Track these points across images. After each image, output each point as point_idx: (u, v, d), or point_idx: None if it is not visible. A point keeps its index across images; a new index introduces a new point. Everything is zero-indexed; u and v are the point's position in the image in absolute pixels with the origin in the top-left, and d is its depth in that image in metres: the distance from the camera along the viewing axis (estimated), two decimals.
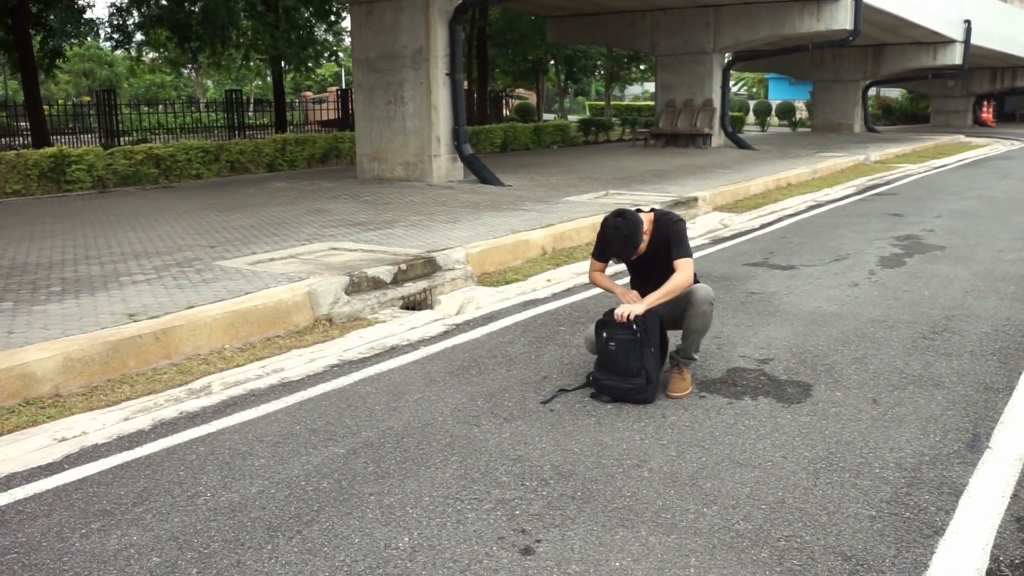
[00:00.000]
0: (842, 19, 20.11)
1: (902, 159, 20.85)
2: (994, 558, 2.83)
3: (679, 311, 4.43)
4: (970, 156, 22.84)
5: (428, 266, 6.94)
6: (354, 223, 9.23)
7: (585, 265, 7.83)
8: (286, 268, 6.71)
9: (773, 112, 46.09)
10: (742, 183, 13.47)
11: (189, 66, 36.67)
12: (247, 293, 5.79)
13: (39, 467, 3.61)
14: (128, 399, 4.43)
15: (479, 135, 20.52)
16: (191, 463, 3.62)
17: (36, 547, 2.95)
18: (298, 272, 6.48)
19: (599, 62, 42.92)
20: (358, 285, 6.23)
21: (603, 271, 4.69)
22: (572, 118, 39.56)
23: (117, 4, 21.36)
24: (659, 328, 4.42)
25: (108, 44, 24.67)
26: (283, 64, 24.96)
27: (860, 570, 2.75)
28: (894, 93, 51.35)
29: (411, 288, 6.60)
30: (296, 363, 5.01)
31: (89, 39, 23.12)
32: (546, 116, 43.23)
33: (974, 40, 29.68)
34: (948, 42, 29.36)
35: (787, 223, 10.62)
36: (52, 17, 18.18)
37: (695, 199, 11.41)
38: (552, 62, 40.59)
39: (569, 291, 6.84)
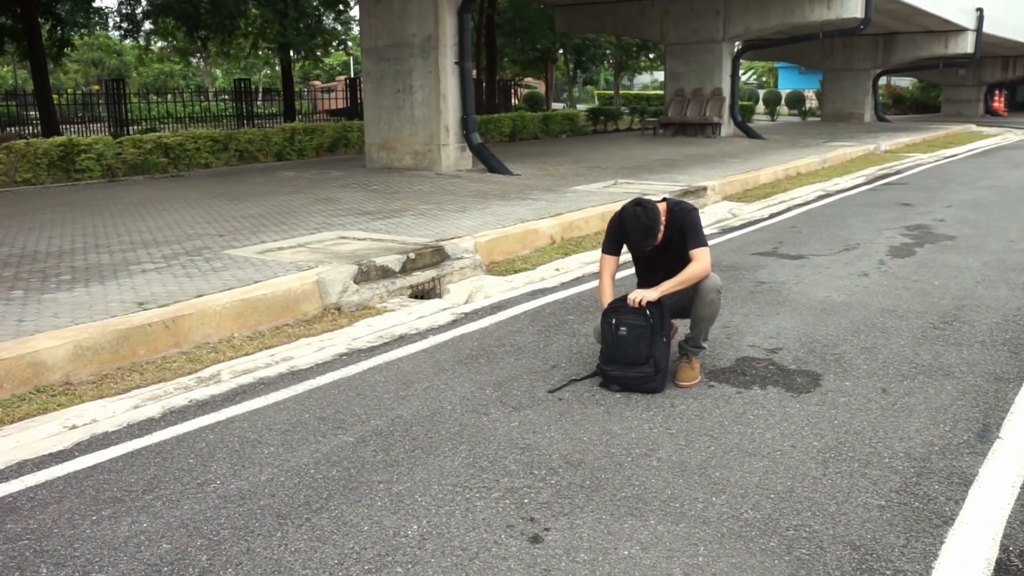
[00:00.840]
0: (853, 7, 19.98)
1: (912, 148, 20.73)
2: (1004, 548, 2.82)
3: (686, 300, 4.41)
4: (981, 146, 22.70)
5: (437, 255, 6.94)
6: (363, 212, 9.23)
7: (594, 254, 7.84)
8: (295, 257, 6.72)
9: (783, 101, 45.91)
10: (751, 172, 13.42)
11: (198, 55, 36.69)
12: (256, 282, 5.80)
13: (50, 454, 3.63)
14: (138, 387, 4.45)
15: (488, 124, 20.48)
16: (201, 451, 3.64)
17: (47, 533, 2.96)
18: (307, 261, 6.49)
19: (608, 51, 42.79)
20: (367, 274, 6.24)
21: (616, 265, 4.62)
22: (581, 107, 39.44)
23: None
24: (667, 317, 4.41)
25: (117, 33, 24.67)
26: (292, 53, 24.98)
27: (869, 560, 2.74)
28: (905, 82, 51.03)
29: (420, 277, 6.60)
30: (305, 352, 5.02)
31: (98, 28, 23.10)
32: (555, 105, 43.11)
33: (986, 28, 29.45)
34: (960, 30, 29.15)
35: (796, 213, 10.58)
36: (61, 6, 18.20)
37: (704, 188, 11.37)
38: (561, 51, 40.48)
39: (578, 280, 6.83)
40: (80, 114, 23.65)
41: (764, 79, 64.60)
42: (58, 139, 13.26)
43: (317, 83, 43.76)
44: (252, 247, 7.16)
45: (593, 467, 3.42)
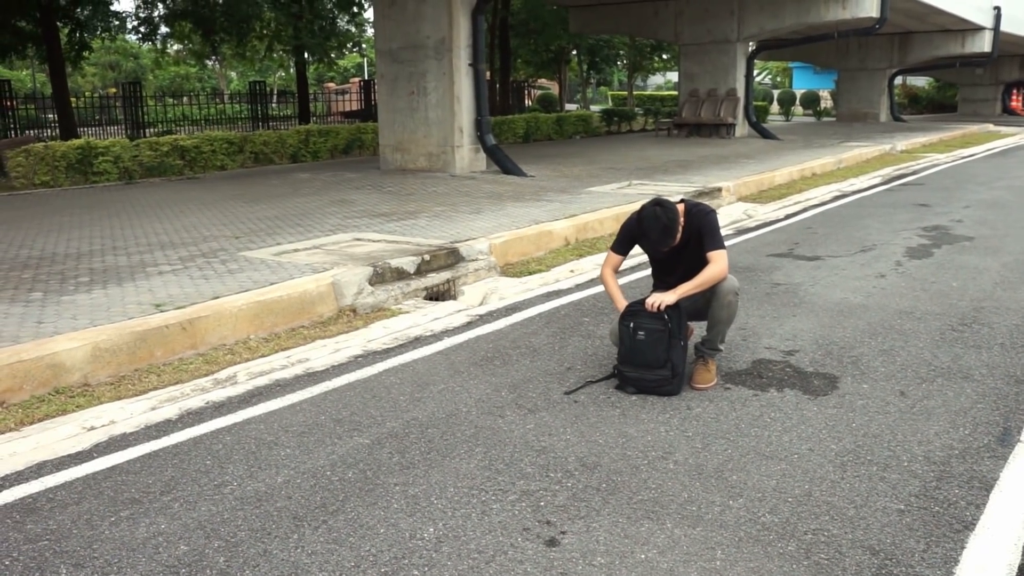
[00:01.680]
0: (868, 7, 19.87)
1: (929, 148, 20.60)
2: None
3: (703, 302, 4.39)
4: (999, 145, 22.52)
5: (451, 257, 6.94)
6: (377, 214, 9.25)
7: None
8: (310, 259, 6.74)
9: (797, 101, 45.73)
10: (766, 173, 13.36)
11: (213, 58, 36.87)
12: (272, 284, 5.82)
13: (69, 455, 3.65)
14: (155, 389, 4.47)
15: (501, 125, 20.48)
16: (218, 452, 3.65)
17: (66, 534, 2.98)
18: (322, 263, 6.51)
19: (622, 52, 42.72)
20: (382, 276, 6.25)
21: (619, 266, 4.62)
22: (594, 108, 39.39)
23: None
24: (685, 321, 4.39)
25: (134, 37, 24.87)
26: (306, 55, 25.07)
27: (889, 564, 2.72)
28: (920, 82, 50.72)
29: (434, 279, 6.61)
30: (321, 353, 5.03)
31: (117, 33, 23.27)
32: (568, 106, 43.07)
33: (1004, 27, 29.24)
34: (977, 29, 28.94)
35: (812, 213, 10.52)
36: (80, 11, 18.34)
37: (719, 189, 11.34)
38: (574, 52, 40.44)
39: (592, 282, 6.82)
40: (97, 117, 23.83)
41: (778, 79, 64.35)
42: (76, 142, 13.35)
43: (331, 85, 43.90)
44: (268, 249, 7.18)
45: (609, 470, 3.41)
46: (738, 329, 5.28)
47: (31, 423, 4.01)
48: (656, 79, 67.13)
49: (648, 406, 4.10)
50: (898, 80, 40.46)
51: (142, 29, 22.16)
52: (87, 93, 28.30)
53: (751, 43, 23.57)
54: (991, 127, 29.40)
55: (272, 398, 4.30)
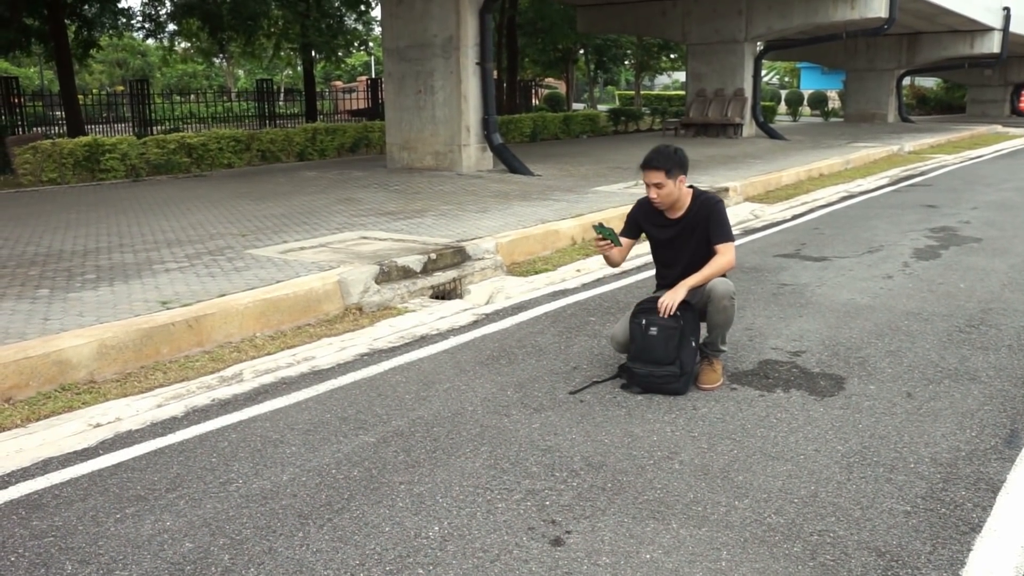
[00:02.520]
0: (877, 7, 19.81)
1: (937, 149, 20.53)
2: None
3: (701, 305, 4.38)
4: (1007, 146, 22.43)
5: (458, 256, 6.94)
6: (384, 212, 9.25)
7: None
8: (317, 257, 6.74)
9: (805, 102, 45.60)
10: (773, 173, 13.33)
11: (220, 56, 36.94)
12: (278, 282, 5.83)
13: (75, 452, 3.66)
14: (161, 386, 4.48)
15: (508, 124, 20.48)
16: (223, 450, 3.65)
17: (72, 531, 2.99)
18: (329, 261, 6.51)
19: (629, 51, 42.67)
20: (388, 274, 6.25)
21: (628, 250, 4.59)
22: (602, 108, 39.39)
23: None
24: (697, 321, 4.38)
25: (141, 34, 24.93)
26: (313, 53, 25.09)
27: (895, 566, 2.71)
28: (929, 82, 50.53)
29: (441, 278, 6.61)
30: (326, 352, 5.03)
31: (124, 31, 23.30)
32: (575, 105, 43.07)
33: (1013, 27, 29.13)
34: (986, 30, 28.84)
35: (819, 214, 10.49)
36: (87, 8, 18.39)
37: (726, 189, 11.31)
38: (582, 51, 40.41)
39: (599, 282, 6.81)
40: (105, 114, 23.87)
41: (786, 79, 64.19)
42: (83, 139, 13.39)
43: (339, 83, 43.97)
44: (274, 247, 7.19)
45: (615, 469, 3.40)
46: (744, 329, 5.27)
47: (37, 420, 4.02)
48: (663, 79, 67.03)
49: (654, 406, 4.09)
50: (906, 81, 40.33)
51: (147, 26, 22.20)
52: (94, 90, 28.37)
53: (759, 43, 23.52)
54: (1000, 128, 29.27)
55: (278, 396, 4.30)
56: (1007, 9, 28.51)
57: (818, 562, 2.74)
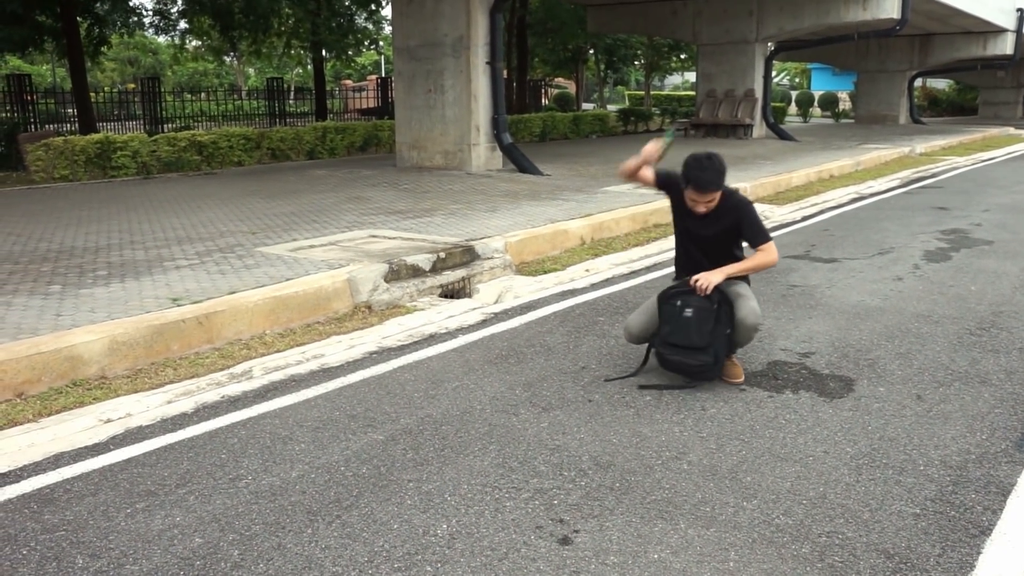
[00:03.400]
0: (889, 8, 19.74)
1: (948, 151, 20.44)
2: None
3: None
4: (1020, 149, 22.31)
5: (467, 255, 6.95)
6: (393, 211, 9.27)
7: (624, 255, 7.82)
8: (326, 255, 6.76)
9: (816, 103, 45.45)
10: (783, 174, 13.30)
11: (231, 54, 37.06)
12: (288, 279, 5.85)
13: (86, 447, 3.68)
14: (171, 382, 4.50)
15: (518, 124, 20.47)
16: (233, 446, 3.67)
17: (83, 525, 3.01)
18: (338, 259, 6.53)
19: (639, 51, 42.60)
20: (397, 273, 6.26)
21: (649, 178, 4.54)
22: (611, 108, 39.31)
23: None
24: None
25: (152, 31, 25.03)
26: (324, 52, 25.12)
27: (903, 569, 2.71)
28: (941, 84, 50.31)
29: (450, 276, 6.61)
30: (336, 349, 5.04)
31: (136, 30, 23.39)
32: (585, 105, 43.01)
33: None
34: (999, 31, 28.71)
35: (829, 215, 10.46)
36: (99, 5, 18.47)
37: (736, 190, 11.27)
38: (592, 51, 40.36)
39: (608, 281, 6.81)
40: (116, 112, 23.95)
41: (797, 80, 64.00)
42: (95, 136, 13.44)
43: (348, 82, 44.00)
44: (284, 245, 7.21)
45: (623, 469, 3.40)
46: None
47: (49, 415, 4.04)
48: (673, 79, 66.92)
49: (663, 406, 4.09)
50: (918, 82, 40.16)
51: (157, 21, 22.28)
52: (106, 88, 28.48)
53: (770, 44, 23.47)
54: (1012, 130, 29.12)
55: (287, 393, 4.32)
56: (1021, 10, 28.40)
57: (826, 563, 2.73)
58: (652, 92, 48.99)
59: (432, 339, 5.26)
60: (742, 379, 4.39)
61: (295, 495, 3.21)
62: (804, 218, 10.23)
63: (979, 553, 2.80)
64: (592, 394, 4.26)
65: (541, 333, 5.36)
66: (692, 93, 38.47)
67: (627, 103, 48.53)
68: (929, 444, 3.64)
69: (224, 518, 3.04)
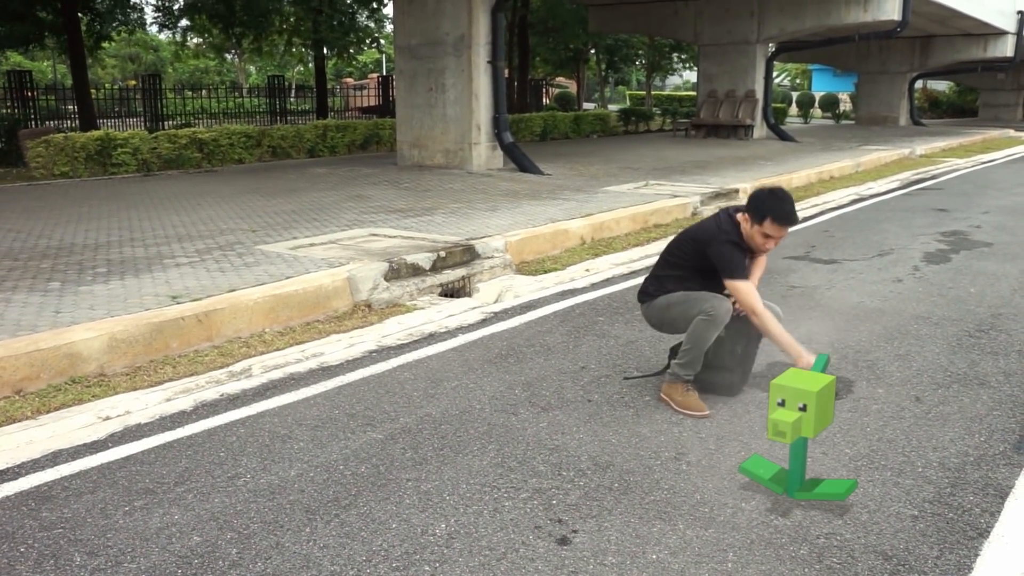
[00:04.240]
0: (890, 10, 19.73)
1: (948, 153, 20.44)
2: None
3: (683, 324, 4.11)
4: (1020, 151, 22.31)
5: (467, 254, 6.95)
6: (394, 210, 9.27)
7: (624, 255, 7.82)
8: (326, 253, 6.76)
9: (816, 104, 45.43)
10: (784, 175, 13.30)
11: (232, 52, 37.05)
12: (288, 278, 5.85)
13: (84, 444, 3.68)
14: (170, 380, 4.49)
15: (519, 123, 20.47)
16: (231, 445, 3.67)
17: (81, 523, 3.01)
18: (338, 258, 6.53)
19: (640, 51, 42.60)
20: (397, 271, 6.26)
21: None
22: (612, 107, 39.29)
23: None
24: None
25: (154, 28, 25.06)
26: (325, 50, 25.12)
27: (901, 570, 2.71)
28: (941, 86, 50.29)
29: (450, 275, 6.61)
30: (335, 348, 5.04)
31: (136, 27, 23.39)
32: (586, 105, 43.02)
33: None
34: (1000, 33, 28.70)
35: (829, 216, 10.47)
36: (100, 2, 18.47)
37: (736, 191, 11.29)
38: (593, 51, 40.36)
39: (608, 281, 6.81)
40: (117, 109, 23.96)
41: (798, 81, 63.99)
42: (95, 133, 13.43)
43: (350, 80, 44.03)
44: (284, 243, 7.21)
45: (622, 469, 3.40)
46: None
47: (47, 412, 4.04)
48: (674, 79, 66.92)
49: (662, 407, 4.09)
50: (918, 84, 40.15)
51: (158, 17, 22.30)
52: (107, 85, 28.48)
53: (771, 44, 23.46)
54: (1012, 132, 29.11)
55: (286, 391, 4.32)
56: (1021, 13, 28.39)
57: (824, 565, 2.74)
58: (653, 92, 48.99)
59: (432, 338, 5.26)
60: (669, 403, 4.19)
61: (294, 494, 3.21)
62: (804, 219, 10.22)
63: (977, 555, 2.80)
64: (591, 394, 4.26)
65: (541, 333, 5.36)
66: (693, 93, 38.47)
67: (628, 103, 48.53)
68: (927, 446, 3.64)
69: (222, 516, 3.04)
